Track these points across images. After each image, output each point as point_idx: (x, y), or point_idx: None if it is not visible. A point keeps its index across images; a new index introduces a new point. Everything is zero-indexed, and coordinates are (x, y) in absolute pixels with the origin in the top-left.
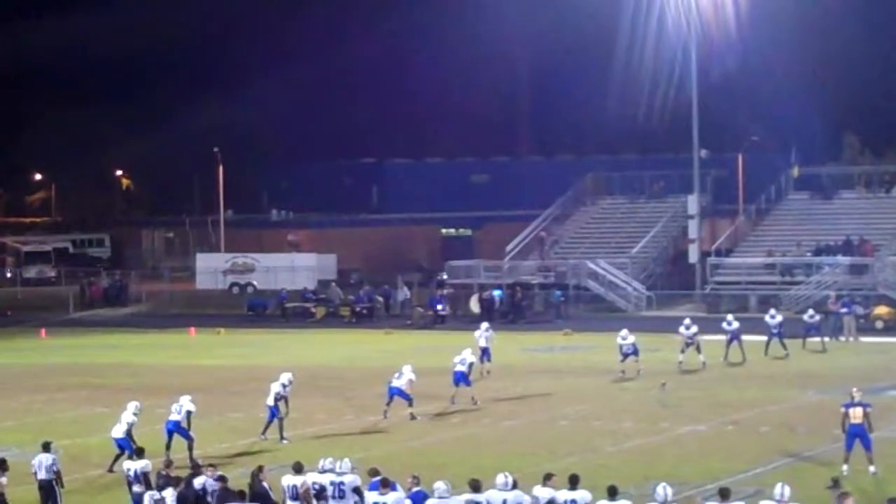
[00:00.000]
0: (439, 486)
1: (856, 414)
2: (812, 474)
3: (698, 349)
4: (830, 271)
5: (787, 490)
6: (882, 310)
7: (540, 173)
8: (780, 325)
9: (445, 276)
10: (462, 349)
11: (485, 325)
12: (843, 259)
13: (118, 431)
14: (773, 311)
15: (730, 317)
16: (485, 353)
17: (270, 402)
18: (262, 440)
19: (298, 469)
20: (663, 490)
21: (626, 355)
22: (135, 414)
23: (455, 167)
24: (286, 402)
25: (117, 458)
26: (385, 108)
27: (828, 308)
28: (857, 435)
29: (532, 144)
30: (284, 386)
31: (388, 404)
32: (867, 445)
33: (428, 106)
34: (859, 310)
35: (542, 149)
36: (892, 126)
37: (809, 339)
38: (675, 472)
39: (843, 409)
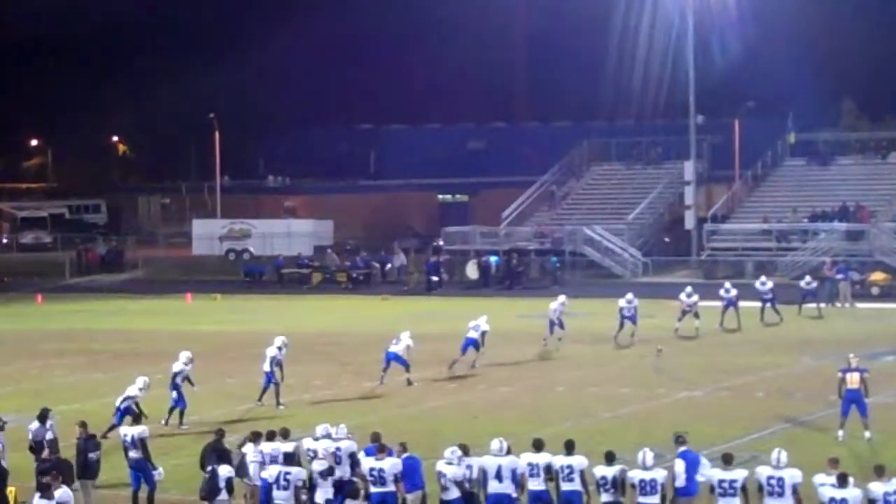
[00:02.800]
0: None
1: (852, 379)
2: (808, 440)
3: (696, 316)
4: (826, 237)
5: (784, 455)
6: (878, 276)
7: (537, 139)
8: (771, 290)
9: (442, 243)
10: (460, 315)
11: (562, 297)
12: (839, 225)
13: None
14: (763, 278)
15: (727, 284)
16: (552, 325)
17: (266, 367)
18: (259, 406)
19: (285, 435)
20: (642, 455)
21: (624, 319)
22: (140, 389)
23: (452, 133)
24: (281, 366)
25: (111, 427)
26: (382, 74)
27: (823, 274)
28: (854, 401)
29: (529, 110)
30: (280, 349)
31: (384, 370)
32: (863, 411)
33: (425, 72)
34: (855, 276)
35: (538, 115)
36: (889, 92)
37: (806, 305)
38: (670, 438)
39: (839, 375)
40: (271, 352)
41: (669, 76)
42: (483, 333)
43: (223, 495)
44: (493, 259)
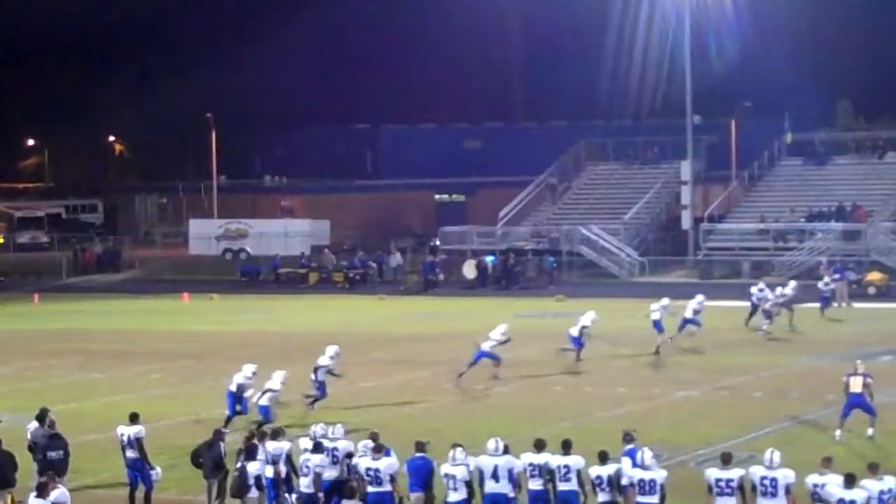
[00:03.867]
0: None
1: (856, 383)
2: (805, 439)
3: (790, 309)
4: (823, 237)
5: (778, 455)
6: (874, 276)
7: (533, 139)
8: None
9: (438, 242)
10: (457, 315)
11: (665, 300)
12: (835, 225)
13: (263, 399)
14: (761, 286)
15: (761, 284)
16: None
17: (319, 376)
18: (310, 411)
19: (276, 435)
20: (640, 455)
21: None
22: (281, 383)
23: (449, 133)
24: (332, 375)
25: (261, 424)
26: (379, 74)
27: (819, 274)
28: (856, 405)
29: (526, 110)
30: (332, 358)
31: (471, 365)
32: (869, 411)
33: (422, 72)
34: (852, 276)
35: (535, 115)
36: (885, 92)
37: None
38: (668, 437)
39: (844, 379)
40: (323, 361)
41: (666, 76)
42: (583, 328)
43: (253, 492)
44: (489, 259)
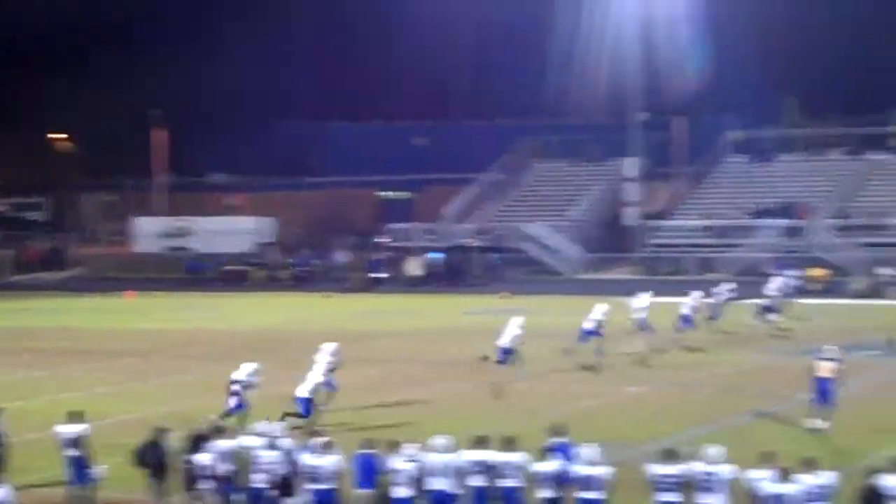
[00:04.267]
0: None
1: (823, 367)
2: (751, 436)
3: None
4: (767, 234)
5: (718, 451)
6: (817, 272)
7: (479, 137)
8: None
9: (383, 240)
10: (403, 311)
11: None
12: (779, 222)
13: (303, 391)
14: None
15: (724, 284)
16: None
17: (323, 376)
18: (324, 410)
19: (220, 432)
20: (587, 451)
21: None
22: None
23: (395, 130)
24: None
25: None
26: (327, 72)
27: (762, 271)
28: (821, 390)
29: (472, 108)
30: (332, 356)
31: (498, 361)
32: (828, 400)
33: (368, 69)
34: (793, 272)
35: (482, 113)
36: (830, 90)
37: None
38: (616, 434)
39: (811, 362)
40: (323, 358)
41: (613, 74)
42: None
43: (203, 484)
44: (432, 256)
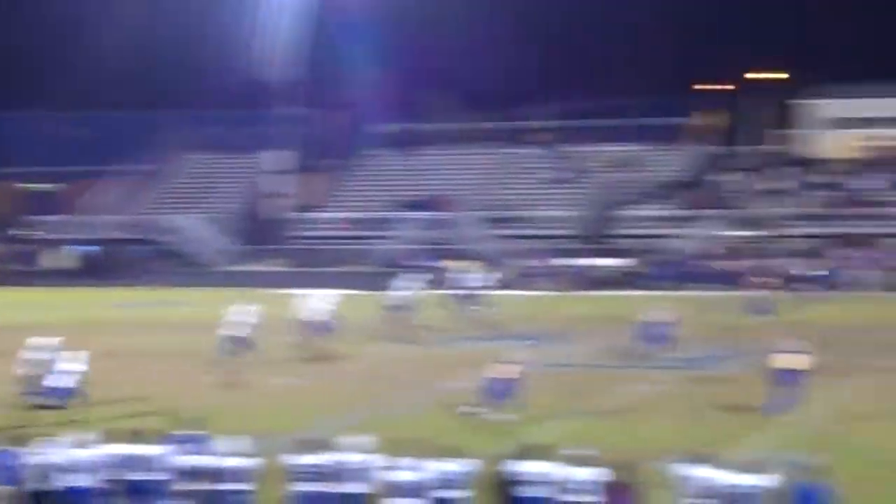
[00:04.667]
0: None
1: (499, 370)
2: (395, 425)
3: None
4: (411, 226)
5: (358, 441)
6: (450, 264)
7: (131, 128)
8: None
9: (23, 232)
10: (48, 305)
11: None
12: (422, 214)
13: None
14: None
15: (470, 273)
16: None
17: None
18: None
19: None
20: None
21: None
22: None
23: (43, 120)
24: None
25: None
26: None
27: (403, 263)
28: (493, 389)
29: (125, 98)
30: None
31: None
32: (501, 397)
33: (12, 54)
34: (430, 263)
35: (133, 103)
36: (476, 84)
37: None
38: (262, 426)
39: (493, 364)
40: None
41: (260, 65)
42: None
43: None
44: (79, 248)
